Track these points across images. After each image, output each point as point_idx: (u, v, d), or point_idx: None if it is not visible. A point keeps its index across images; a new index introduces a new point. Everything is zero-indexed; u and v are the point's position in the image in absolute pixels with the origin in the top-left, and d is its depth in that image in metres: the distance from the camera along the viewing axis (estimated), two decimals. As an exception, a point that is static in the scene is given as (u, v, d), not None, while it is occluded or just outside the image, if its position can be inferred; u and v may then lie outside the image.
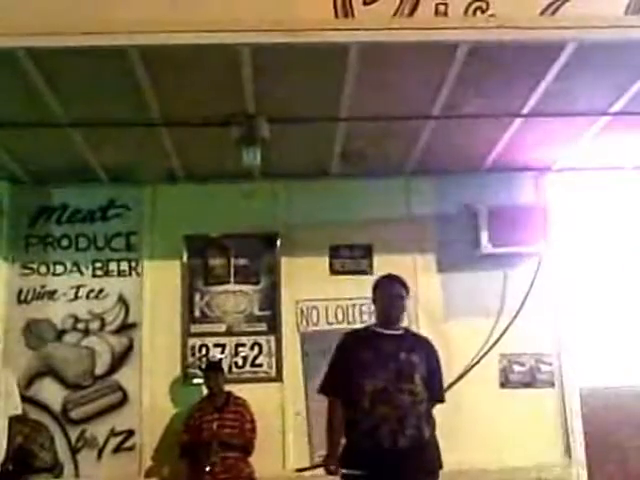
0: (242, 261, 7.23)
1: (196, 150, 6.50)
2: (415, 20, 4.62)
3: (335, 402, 4.87)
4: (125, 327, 7.09)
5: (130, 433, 6.87)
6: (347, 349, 4.94)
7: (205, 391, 6.76)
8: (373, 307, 5.12)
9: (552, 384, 7.13)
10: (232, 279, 7.20)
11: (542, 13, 4.68)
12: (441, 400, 5.08)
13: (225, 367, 6.93)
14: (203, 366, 6.88)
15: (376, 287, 5.06)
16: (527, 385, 7.13)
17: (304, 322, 7.14)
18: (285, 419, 6.93)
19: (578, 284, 7.39)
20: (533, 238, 7.02)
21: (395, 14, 4.61)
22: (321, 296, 7.14)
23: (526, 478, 6.80)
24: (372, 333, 4.97)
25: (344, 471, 4.73)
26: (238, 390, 6.79)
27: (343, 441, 4.84)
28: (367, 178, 7.17)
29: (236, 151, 5.87)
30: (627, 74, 5.36)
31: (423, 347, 4.99)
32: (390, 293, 4.95)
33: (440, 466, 4.85)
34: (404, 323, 6.53)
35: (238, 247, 7.23)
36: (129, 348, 7.04)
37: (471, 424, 6.84)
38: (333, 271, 7.24)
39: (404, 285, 4.99)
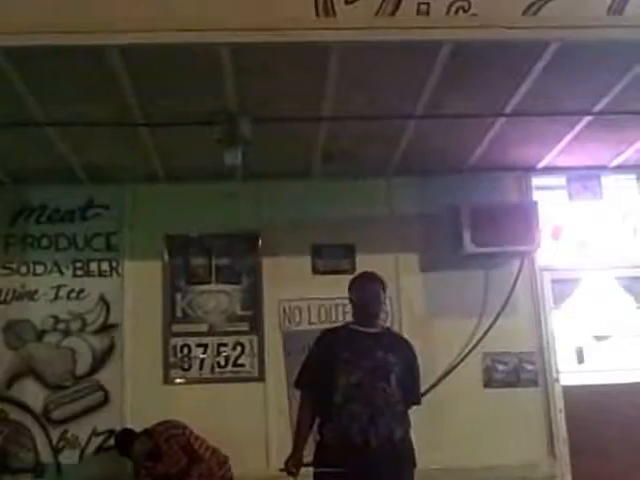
0: (224, 261, 7.18)
1: (177, 150, 6.45)
2: (397, 19, 4.59)
3: (305, 400, 4.89)
4: (106, 327, 7.02)
5: (112, 433, 6.79)
6: (324, 345, 4.95)
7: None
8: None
9: (536, 383, 7.13)
10: (214, 279, 7.16)
11: (524, 13, 4.67)
12: (417, 402, 5.07)
13: (207, 366, 6.93)
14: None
15: (352, 285, 5.06)
16: (511, 384, 7.12)
17: (286, 322, 7.11)
18: (268, 419, 6.89)
19: (562, 282, 7.41)
20: (516, 238, 6.98)
21: (377, 13, 4.58)
22: (303, 296, 7.11)
23: (510, 477, 6.78)
24: (350, 331, 4.96)
25: (316, 470, 4.73)
26: (219, 390, 6.80)
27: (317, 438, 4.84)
28: (349, 178, 7.14)
29: (217, 151, 5.82)
30: (610, 74, 5.35)
31: (402, 348, 4.99)
32: (366, 291, 4.95)
33: (414, 465, 4.83)
34: (387, 322, 6.67)
35: (220, 247, 7.18)
36: (110, 348, 6.98)
37: (455, 424, 6.86)
38: (315, 271, 7.21)
39: (381, 282, 4.99)
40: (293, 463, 4.77)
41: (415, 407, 5.05)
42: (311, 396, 4.87)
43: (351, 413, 4.65)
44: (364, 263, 6.85)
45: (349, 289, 5.06)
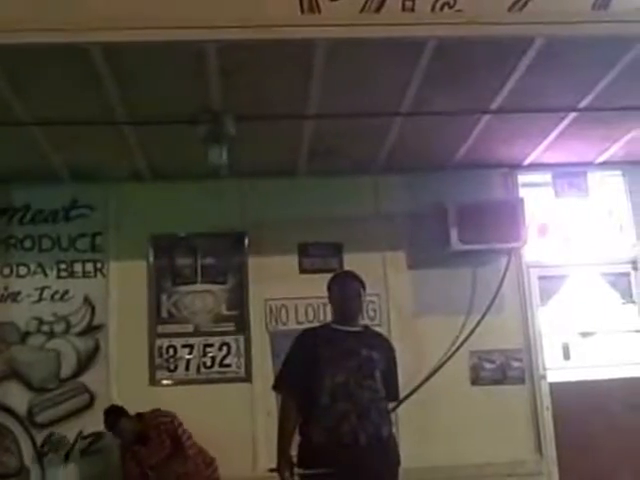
0: (209, 260, 7.14)
1: (162, 149, 6.41)
2: (382, 16, 4.58)
3: (288, 402, 4.78)
4: (91, 329, 6.96)
5: (98, 436, 6.75)
6: (305, 346, 4.85)
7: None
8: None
9: (522, 380, 7.13)
10: (199, 279, 7.12)
11: (510, 9, 4.66)
12: (396, 399, 5.09)
13: (192, 367, 6.89)
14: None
15: (331, 284, 5.02)
16: (498, 382, 7.12)
17: (273, 321, 7.07)
18: (255, 420, 6.84)
19: (548, 279, 7.42)
20: (503, 235, 6.98)
21: (362, 10, 4.57)
22: (290, 295, 7.07)
23: (497, 474, 6.79)
24: (331, 330, 4.89)
25: (301, 471, 4.62)
26: (205, 391, 6.75)
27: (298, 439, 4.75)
28: (336, 176, 7.10)
29: (202, 149, 5.78)
30: (595, 70, 5.35)
31: (382, 345, 4.96)
32: (346, 290, 4.90)
33: (398, 462, 4.80)
34: (375, 320, 6.66)
35: (205, 246, 7.15)
36: (95, 350, 6.92)
37: (442, 421, 6.86)
38: (302, 270, 7.18)
39: (359, 281, 4.94)
40: (285, 466, 4.68)
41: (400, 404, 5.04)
42: (295, 398, 4.77)
43: (339, 413, 4.59)
44: (351, 261, 6.86)
45: (328, 289, 5.02)
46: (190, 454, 6.31)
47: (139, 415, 6.44)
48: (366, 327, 5.07)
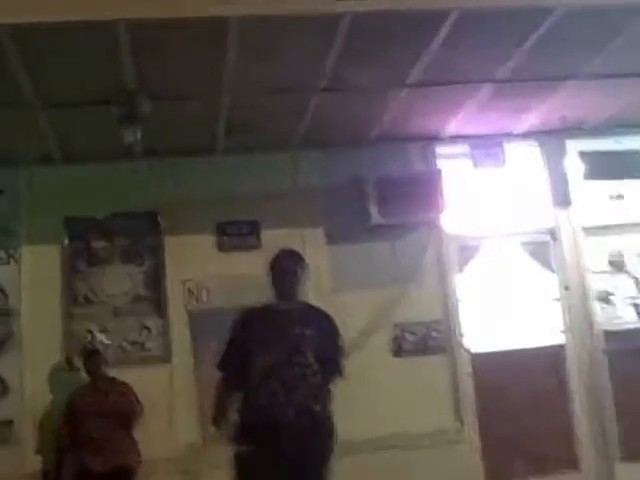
0: (125, 242, 7.02)
1: (74, 130, 6.27)
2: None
3: (224, 380, 4.89)
4: (3, 315, 6.77)
5: (11, 424, 6.59)
6: (244, 326, 4.91)
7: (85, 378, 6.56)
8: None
9: (443, 350, 7.21)
10: (116, 260, 6.99)
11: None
12: (339, 373, 5.04)
13: (111, 350, 6.76)
14: (80, 352, 6.64)
15: (271, 263, 5.00)
16: (420, 353, 7.17)
17: (193, 301, 6.99)
18: (174, 400, 6.77)
19: (467, 249, 7.50)
20: (422, 207, 7.01)
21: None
22: (209, 274, 7.00)
23: (420, 445, 6.86)
24: (269, 309, 4.94)
25: (237, 450, 4.69)
26: (125, 373, 6.59)
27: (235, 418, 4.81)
28: (253, 153, 7.04)
29: (116, 130, 5.66)
30: (510, 41, 5.39)
31: (320, 321, 4.98)
32: (282, 268, 4.93)
33: (331, 434, 4.84)
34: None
35: (121, 228, 7.01)
36: (8, 336, 6.74)
37: (366, 394, 6.83)
38: (221, 248, 7.10)
39: (297, 259, 4.98)
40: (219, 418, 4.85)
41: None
42: (231, 377, 4.85)
43: (269, 392, 4.64)
44: (270, 238, 6.84)
45: (270, 267, 4.99)
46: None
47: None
48: (306, 304, 5.09)
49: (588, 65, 5.91)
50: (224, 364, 4.93)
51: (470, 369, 7.21)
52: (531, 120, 7.09)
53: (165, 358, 6.87)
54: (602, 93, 6.57)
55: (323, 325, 4.94)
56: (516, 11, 4.95)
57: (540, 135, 7.50)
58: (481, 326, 7.43)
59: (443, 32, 5.07)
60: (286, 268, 4.91)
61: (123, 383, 6.47)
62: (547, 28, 5.17)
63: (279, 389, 4.63)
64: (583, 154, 7.59)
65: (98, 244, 6.97)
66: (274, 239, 6.58)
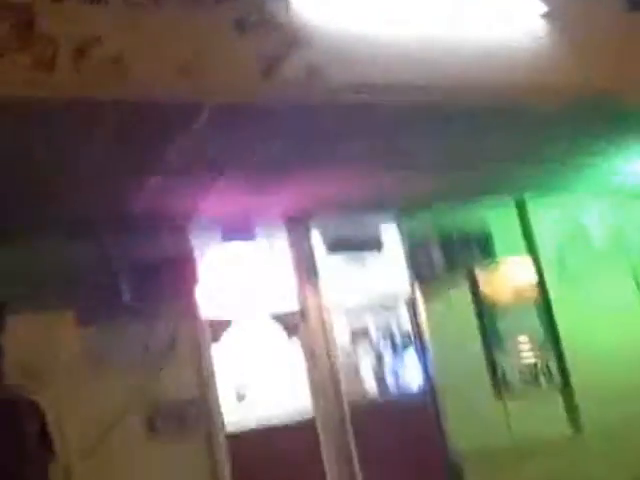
0: None
1: None
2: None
3: None
4: None
5: None
6: None
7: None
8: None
9: (199, 430, 7.12)
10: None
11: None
12: None
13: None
14: None
15: None
16: (176, 433, 7.02)
17: None
18: None
19: (221, 325, 7.59)
20: (175, 289, 7.08)
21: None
22: None
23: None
24: None
25: None
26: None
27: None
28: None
29: None
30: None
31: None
32: None
33: None
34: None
35: None
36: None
37: (122, 478, 6.64)
38: None
39: None
40: None
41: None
42: None
43: None
44: (11, 324, 6.45)
45: None
46: None
47: None
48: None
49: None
50: None
51: (227, 448, 7.12)
52: (275, 201, 7.36)
53: None
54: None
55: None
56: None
57: (287, 216, 7.86)
58: (237, 403, 7.51)
59: (199, 122, 5.20)
60: None
61: None
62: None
63: None
64: (326, 228, 8.01)
65: None
66: (20, 325, 6.24)
